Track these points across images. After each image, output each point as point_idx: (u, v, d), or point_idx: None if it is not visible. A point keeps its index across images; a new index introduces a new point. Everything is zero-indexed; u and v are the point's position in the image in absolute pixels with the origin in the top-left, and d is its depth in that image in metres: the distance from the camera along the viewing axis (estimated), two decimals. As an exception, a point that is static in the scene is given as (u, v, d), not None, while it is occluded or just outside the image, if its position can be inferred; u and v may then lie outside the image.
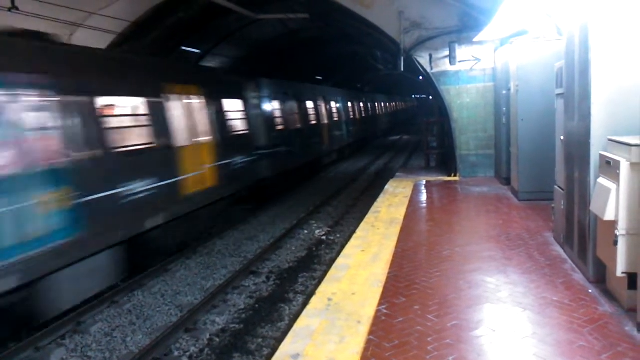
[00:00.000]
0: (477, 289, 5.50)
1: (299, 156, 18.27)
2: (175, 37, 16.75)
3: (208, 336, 7.09)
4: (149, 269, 9.53)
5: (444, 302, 5.21)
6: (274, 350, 5.64)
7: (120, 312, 7.95)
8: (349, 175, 21.54)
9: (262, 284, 9.04)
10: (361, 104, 33.54)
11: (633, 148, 4.47)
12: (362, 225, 8.67)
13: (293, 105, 18.31)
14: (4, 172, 6.03)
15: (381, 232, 8.07)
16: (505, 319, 4.74)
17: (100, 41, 13.24)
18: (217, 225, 12.43)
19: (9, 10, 9.74)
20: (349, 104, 29.07)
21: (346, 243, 7.79)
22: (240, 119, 13.46)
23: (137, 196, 8.51)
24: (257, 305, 8.10)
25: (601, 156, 5.07)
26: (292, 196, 16.99)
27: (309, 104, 20.51)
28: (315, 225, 13.15)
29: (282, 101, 17.08)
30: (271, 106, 15.96)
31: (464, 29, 12.55)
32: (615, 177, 4.64)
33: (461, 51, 12.78)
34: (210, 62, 20.07)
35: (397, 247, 7.23)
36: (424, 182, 13.31)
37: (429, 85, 16.27)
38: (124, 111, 8.91)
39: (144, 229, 8.73)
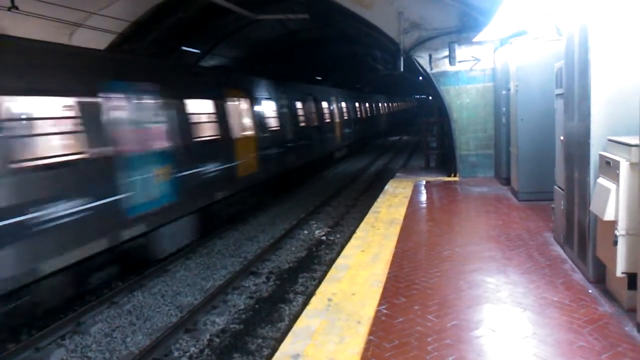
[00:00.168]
0: (477, 289, 5.50)
1: (317, 150, 21.20)
2: (175, 37, 16.75)
3: (208, 336, 7.09)
4: (150, 270, 9.55)
5: (443, 302, 5.21)
6: (274, 350, 5.65)
7: (120, 313, 7.95)
8: (349, 176, 21.55)
9: (262, 285, 9.04)
10: (366, 104, 35.98)
11: (633, 148, 4.47)
12: (362, 225, 8.67)
13: (313, 105, 21.24)
14: (139, 150, 8.79)
15: (381, 233, 8.07)
16: (505, 319, 4.74)
17: (100, 41, 13.23)
18: (217, 226, 12.50)
19: (9, 9, 9.72)
20: (356, 104, 31.88)
21: (346, 243, 7.79)
22: (274, 117, 16.09)
23: (210, 175, 11.23)
24: (257, 306, 8.10)
25: (601, 156, 5.08)
26: (291, 196, 17.00)
27: (324, 104, 23.40)
28: (315, 225, 13.15)
29: (305, 102, 19.92)
30: (296, 106, 18.71)
31: (463, 29, 12.56)
32: (615, 177, 4.64)
33: (461, 51, 12.78)
34: (210, 62, 20.07)
35: (397, 247, 7.23)
36: (424, 182, 13.31)
37: (428, 85, 16.25)
38: (201, 110, 11.36)
39: (212, 201, 11.33)
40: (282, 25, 20.29)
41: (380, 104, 44.32)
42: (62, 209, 6.97)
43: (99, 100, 8.00)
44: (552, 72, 7.03)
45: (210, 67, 15.10)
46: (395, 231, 8.10)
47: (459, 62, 12.83)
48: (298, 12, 16.89)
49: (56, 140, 7.19)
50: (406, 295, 5.45)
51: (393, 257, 6.78)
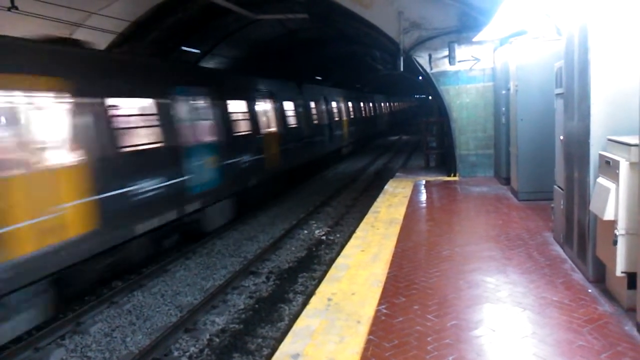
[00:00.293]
0: (476, 288, 5.51)
1: (328, 145, 23.27)
2: (175, 37, 16.75)
3: (208, 336, 7.09)
4: (147, 269, 9.55)
5: (443, 301, 5.21)
6: (273, 350, 5.65)
7: (120, 313, 7.95)
8: (349, 175, 21.55)
9: (261, 284, 9.04)
10: (370, 104, 37.77)
11: (632, 148, 4.47)
12: (362, 225, 8.67)
13: (326, 105, 23.34)
14: (197, 142, 10.73)
15: (381, 232, 8.07)
16: (504, 318, 4.75)
17: (100, 41, 13.23)
18: (217, 226, 12.51)
19: (9, 9, 9.72)
20: (361, 104, 33.73)
21: (346, 243, 7.79)
22: (293, 116, 17.98)
23: (245, 165, 13.10)
24: (256, 306, 8.10)
25: (600, 156, 5.08)
26: (291, 196, 17.00)
27: (334, 104, 25.26)
28: (315, 225, 13.15)
29: (318, 102, 22.04)
30: (312, 105, 20.81)
31: (463, 29, 12.55)
32: (615, 177, 4.65)
33: (460, 51, 12.78)
34: (209, 63, 20.07)
35: (396, 247, 7.23)
36: (424, 182, 13.31)
37: (428, 85, 16.26)
38: (238, 109, 13.30)
39: (246, 186, 13.22)
40: (282, 25, 20.30)
41: (380, 104, 44.46)
42: (151, 185, 8.99)
43: (171, 102, 10.08)
44: (552, 71, 7.03)
45: (242, 73, 16.83)
46: (395, 231, 8.11)
47: (459, 61, 12.83)
48: (297, 12, 16.89)
49: (146, 132, 9.21)
50: (406, 295, 5.45)
51: (393, 256, 6.78)
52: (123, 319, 7.74)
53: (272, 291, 8.70)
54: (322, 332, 4.64)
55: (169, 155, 9.66)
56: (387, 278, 5.97)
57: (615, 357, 3.99)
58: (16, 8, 9.77)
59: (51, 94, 7.02)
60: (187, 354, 6.65)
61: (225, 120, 12.22)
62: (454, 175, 13.69)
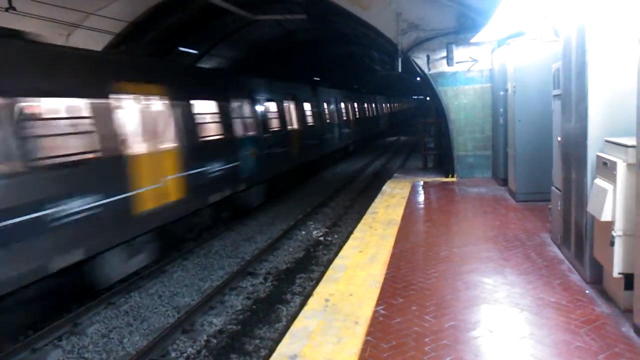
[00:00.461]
0: (474, 289, 5.51)
1: (338, 142, 25.47)
2: (173, 37, 16.74)
3: (205, 337, 7.08)
4: (147, 270, 9.54)
5: (441, 302, 5.21)
6: (271, 351, 5.65)
7: (117, 314, 7.94)
8: (347, 176, 21.56)
9: (259, 285, 9.03)
10: (373, 105, 39.64)
11: (629, 149, 4.48)
12: (360, 226, 8.67)
13: (336, 105, 25.53)
14: (242, 136, 13.29)
15: (379, 233, 8.07)
16: (502, 319, 4.75)
17: (98, 42, 13.22)
18: (215, 225, 12.55)
19: (6, 10, 9.70)
20: (365, 105, 35.75)
21: (344, 244, 7.79)
22: (310, 115, 20.46)
23: (274, 157, 15.45)
24: (254, 306, 8.09)
25: (598, 157, 5.08)
26: (289, 197, 17.00)
27: (342, 105, 27.45)
28: (313, 226, 13.15)
29: (329, 102, 24.27)
30: (324, 106, 23.06)
31: (461, 30, 12.57)
32: (612, 178, 4.65)
33: (458, 52, 12.80)
34: (207, 63, 20.06)
35: (394, 247, 7.23)
36: (422, 182, 13.32)
37: (426, 86, 16.26)
38: (271, 109, 15.91)
39: (275, 174, 15.52)
40: (280, 25, 20.29)
41: (381, 105, 44.71)
42: (218, 167, 11.65)
43: (228, 103, 12.75)
44: (550, 73, 7.04)
45: (273, 78, 18.46)
46: (392, 232, 8.11)
47: (457, 63, 12.84)
48: (296, 13, 16.90)
49: (214, 127, 11.92)
50: (404, 295, 5.45)
51: (390, 257, 6.78)
52: (120, 320, 7.72)
53: (270, 292, 8.69)
54: (319, 333, 4.64)
55: (229, 145, 12.45)
56: (385, 279, 5.97)
57: (612, 358, 4.00)
58: (14, 9, 9.75)
59: (157, 97, 9.68)
60: (185, 355, 6.64)
61: (263, 119, 14.94)
62: (452, 176, 13.70)
